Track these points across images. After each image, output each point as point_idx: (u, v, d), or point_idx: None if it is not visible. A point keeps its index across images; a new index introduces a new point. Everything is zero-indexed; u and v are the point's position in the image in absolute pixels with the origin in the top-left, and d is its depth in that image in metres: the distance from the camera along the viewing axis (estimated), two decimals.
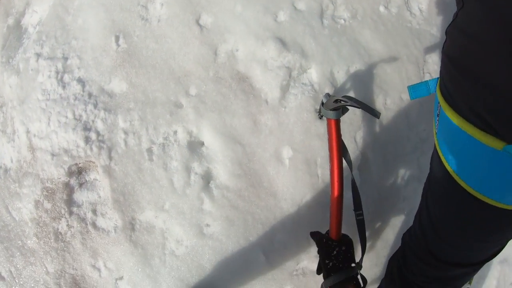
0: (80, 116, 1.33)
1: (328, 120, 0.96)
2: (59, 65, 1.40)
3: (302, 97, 1.21)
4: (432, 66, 1.40)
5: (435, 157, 0.71)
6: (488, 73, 0.51)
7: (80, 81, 1.37)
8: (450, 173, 0.65)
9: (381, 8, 1.36)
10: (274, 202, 1.21)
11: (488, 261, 0.78)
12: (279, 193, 1.21)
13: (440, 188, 0.72)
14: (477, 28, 0.53)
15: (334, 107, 0.93)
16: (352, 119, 1.23)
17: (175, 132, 1.26)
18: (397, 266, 0.93)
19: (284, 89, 1.22)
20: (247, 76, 1.25)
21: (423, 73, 1.37)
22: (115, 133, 1.28)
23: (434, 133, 0.69)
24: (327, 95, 1.01)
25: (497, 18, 0.48)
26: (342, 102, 0.92)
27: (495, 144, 0.54)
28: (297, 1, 1.30)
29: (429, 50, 1.41)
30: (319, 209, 1.21)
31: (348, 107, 0.95)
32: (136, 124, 1.28)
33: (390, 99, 1.28)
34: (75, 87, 1.37)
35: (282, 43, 1.24)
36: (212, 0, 1.32)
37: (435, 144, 0.69)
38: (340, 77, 1.24)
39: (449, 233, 0.74)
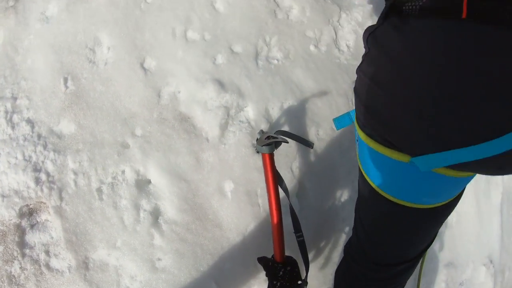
0: (30, 157, 1.40)
1: (263, 154, 1.08)
2: (8, 105, 1.48)
3: (240, 134, 1.33)
4: None
5: (360, 176, 0.88)
6: (389, 115, 0.69)
7: (30, 122, 1.45)
8: (373, 187, 0.81)
9: (312, 47, 1.51)
10: (220, 233, 1.32)
11: (422, 254, 0.95)
12: (224, 224, 1.32)
13: (367, 201, 0.89)
14: (378, 76, 0.69)
15: (266, 143, 1.05)
16: (288, 150, 1.37)
17: (123, 172, 1.36)
18: (342, 276, 1.06)
19: (223, 127, 1.34)
20: (189, 116, 1.36)
21: (352, 103, 1.52)
22: (65, 173, 1.36)
23: (357, 155, 0.85)
24: (261, 131, 1.14)
25: (395, 71, 0.65)
26: (272, 138, 1.05)
27: (403, 158, 0.71)
28: (234, 44, 1.42)
29: None
30: (263, 235, 1.33)
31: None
32: (86, 165, 1.37)
33: (322, 130, 1.43)
34: (25, 128, 1.44)
35: (220, 84, 1.36)
36: (156, 45, 1.43)
37: (358, 165, 0.85)
38: (275, 113, 1.38)
39: (381, 238, 0.89)
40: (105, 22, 1.54)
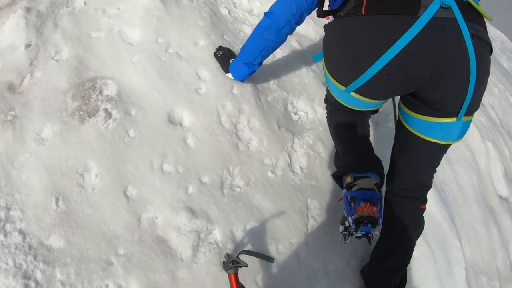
0: (21, 264, 1.65)
1: (229, 274, 1.38)
2: (2, 214, 1.74)
3: (210, 254, 1.66)
4: (314, 210, 1.93)
5: (328, 93, 1.79)
6: (332, 63, 1.57)
7: (21, 232, 1.70)
8: (336, 99, 1.64)
9: (269, 173, 1.88)
10: None
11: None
12: None
13: (334, 105, 1.79)
14: (327, 43, 1.56)
15: (231, 267, 1.40)
16: (252, 266, 1.69)
17: (107, 286, 1.64)
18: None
19: (195, 249, 1.66)
20: (165, 239, 1.67)
21: (307, 218, 1.88)
22: (53, 283, 1.63)
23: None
24: (226, 255, 1.46)
25: (333, 41, 1.53)
26: (235, 263, 1.38)
27: (341, 87, 1.50)
28: (203, 176, 1.78)
29: (311, 196, 1.93)
30: None
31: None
32: (73, 277, 1.64)
33: (281, 245, 1.78)
34: (17, 237, 1.70)
35: (192, 211, 1.70)
36: (137, 175, 1.77)
37: (328, 89, 1.72)
38: (239, 234, 1.72)
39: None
40: (93, 152, 1.86)
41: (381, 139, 2.54)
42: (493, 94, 5.04)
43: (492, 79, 6.40)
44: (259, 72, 2.29)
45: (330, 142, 2.20)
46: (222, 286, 1.71)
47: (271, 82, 2.29)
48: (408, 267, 2.09)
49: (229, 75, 2.14)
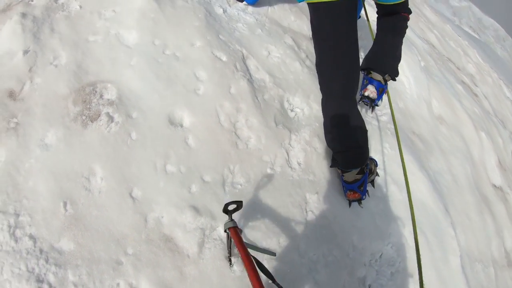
0: (33, 268, 1.75)
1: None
2: (11, 220, 1.82)
3: (215, 250, 1.79)
4: (313, 204, 2.05)
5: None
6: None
7: (32, 237, 1.81)
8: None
9: (268, 170, 2.00)
10: None
11: None
12: None
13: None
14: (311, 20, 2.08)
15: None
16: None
17: (118, 285, 1.76)
18: None
19: (201, 245, 1.79)
20: (172, 237, 1.80)
21: (306, 212, 2.01)
22: (66, 285, 1.74)
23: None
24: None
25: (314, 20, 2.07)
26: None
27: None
28: (205, 175, 1.90)
29: (310, 191, 2.06)
30: None
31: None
32: (84, 278, 1.76)
33: (282, 238, 1.92)
34: (27, 242, 1.79)
35: (196, 210, 1.82)
36: (141, 177, 1.88)
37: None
38: (243, 228, 1.82)
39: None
40: (97, 155, 1.97)
41: (375, 132, 2.68)
42: (487, 84, 5.19)
43: (485, 69, 6.57)
44: (254, 71, 2.39)
45: None
46: (227, 280, 1.84)
47: (267, 80, 2.40)
48: (403, 256, 2.24)
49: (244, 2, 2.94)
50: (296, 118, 2.36)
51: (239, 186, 2.00)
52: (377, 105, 2.59)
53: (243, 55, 2.43)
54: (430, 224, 2.51)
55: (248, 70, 2.39)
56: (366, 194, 2.27)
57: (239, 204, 1.51)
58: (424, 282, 2.30)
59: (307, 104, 2.42)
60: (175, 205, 1.90)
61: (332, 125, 2.07)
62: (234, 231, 1.43)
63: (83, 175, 1.97)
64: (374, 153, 2.51)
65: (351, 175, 2.14)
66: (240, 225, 1.92)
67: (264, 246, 1.92)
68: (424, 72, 3.68)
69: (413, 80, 3.41)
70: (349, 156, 2.08)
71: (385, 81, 2.43)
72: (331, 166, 2.18)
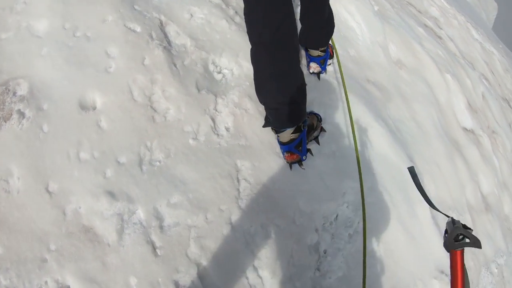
0: None
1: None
2: None
3: (135, 235, 1.68)
4: (246, 171, 1.88)
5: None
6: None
7: None
8: None
9: (191, 141, 1.85)
10: None
11: None
12: None
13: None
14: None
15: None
16: (180, 239, 1.67)
17: (46, 283, 1.69)
18: None
19: (120, 232, 1.68)
20: (91, 227, 1.70)
21: (238, 181, 1.85)
22: None
23: None
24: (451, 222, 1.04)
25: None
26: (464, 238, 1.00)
27: None
28: (120, 157, 1.78)
29: (241, 157, 1.89)
30: None
31: None
32: (15, 281, 1.71)
33: (211, 213, 1.79)
34: None
35: (111, 195, 1.71)
36: (56, 170, 1.79)
37: None
38: (163, 210, 1.74)
39: None
40: (13, 155, 1.89)
41: (320, 83, 2.45)
42: (452, 26, 4.78)
43: (450, 12, 6.03)
44: (174, 37, 2.21)
45: None
46: (151, 265, 1.72)
47: (189, 45, 2.21)
48: (361, 215, 2.03)
49: None
50: (224, 80, 2.17)
51: (158, 163, 1.86)
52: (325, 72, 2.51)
53: (161, 22, 2.25)
54: (392, 178, 2.29)
55: (166, 37, 2.20)
56: (309, 153, 2.08)
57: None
58: (387, 241, 2.12)
59: (236, 63, 2.22)
60: (90, 193, 1.78)
61: (261, 78, 1.85)
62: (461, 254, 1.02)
63: (2, 178, 1.89)
64: (318, 107, 2.28)
65: (286, 135, 1.93)
66: (161, 204, 1.79)
67: (189, 224, 1.79)
68: (378, 17, 3.34)
69: (366, 26, 3.10)
70: (282, 113, 1.86)
71: (324, 50, 2.41)
72: (263, 126, 1.97)
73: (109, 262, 1.72)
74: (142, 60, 2.05)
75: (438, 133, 2.88)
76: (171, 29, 2.25)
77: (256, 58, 1.85)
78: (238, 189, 1.89)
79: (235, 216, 1.84)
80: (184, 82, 2.05)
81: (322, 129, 2.22)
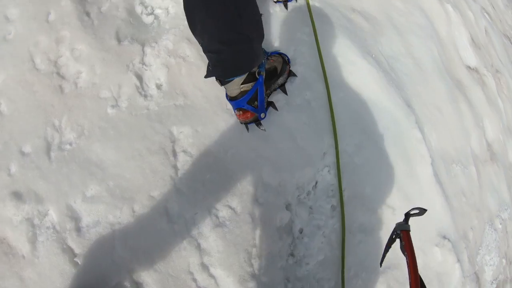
0: None
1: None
2: None
3: (48, 243, 1.35)
4: (186, 140, 1.40)
5: None
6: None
7: None
8: None
9: (109, 110, 1.41)
10: None
11: None
12: None
13: None
14: None
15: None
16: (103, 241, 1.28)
17: None
18: None
19: (32, 240, 1.34)
20: (3, 238, 1.36)
21: (175, 154, 1.39)
22: None
23: None
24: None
25: None
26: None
27: None
28: (24, 145, 1.42)
29: (178, 122, 1.40)
30: None
31: None
32: None
33: (138, 204, 1.36)
34: None
35: (18, 196, 1.37)
36: None
37: None
38: (78, 206, 1.34)
39: None
40: None
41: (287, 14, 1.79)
42: None
43: None
44: None
45: None
46: (72, 277, 1.34)
47: None
48: (348, 178, 1.47)
49: None
50: (156, 24, 1.63)
51: (68, 146, 1.43)
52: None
53: None
54: (387, 129, 1.69)
55: None
56: (271, 108, 1.54)
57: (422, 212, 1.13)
58: (378, 211, 1.51)
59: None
60: None
61: (196, 6, 1.28)
62: (407, 235, 1.08)
63: None
64: (287, 45, 1.64)
65: (234, 87, 1.38)
66: (76, 200, 1.38)
67: (111, 221, 1.35)
68: None
69: None
70: (225, 57, 1.29)
71: None
72: (205, 77, 1.39)
73: (27, 277, 1.38)
74: (46, 17, 1.59)
75: (439, 72, 2.26)
76: None
77: None
78: (174, 166, 1.40)
79: (172, 203, 1.36)
80: (99, 34, 1.56)
81: (291, 73, 1.59)
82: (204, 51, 1.34)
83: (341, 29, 1.80)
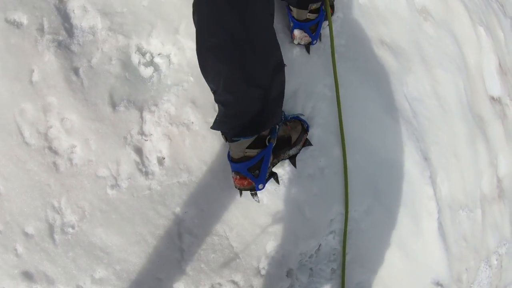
0: None
1: None
2: None
3: None
4: (191, 221, 1.39)
5: None
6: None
7: None
8: None
9: (109, 190, 1.37)
10: None
11: None
12: None
13: None
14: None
15: None
16: None
17: None
18: None
19: None
20: None
21: (180, 237, 1.37)
22: None
23: None
24: None
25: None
26: None
27: None
28: (26, 226, 1.42)
29: (183, 202, 1.39)
30: None
31: None
32: None
33: (146, 286, 1.36)
34: None
35: (29, 276, 1.42)
36: None
37: None
38: (89, 287, 1.33)
39: None
40: None
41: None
42: None
43: None
44: (79, 18, 1.51)
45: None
46: None
47: (99, 27, 1.47)
48: (356, 244, 1.48)
49: None
50: (156, 78, 1.47)
51: (71, 230, 1.40)
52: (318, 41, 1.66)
53: None
54: (399, 191, 1.69)
55: (66, 21, 1.48)
56: (273, 181, 1.43)
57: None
58: (378, 271, 1.54)
59: (173, 44, 1.47)
60: (8, 275, 1.44)
61: (209, 49, 1.15)
62: None
63: None
64: (304, 100, 1.49)
65: (238, 149, 1.26)
66: (85, 282, 1.40)
67: None
68: None
69: None
70: (234, 112, 1.19)
71: (317, 10, 1.54)
72: (212, 128, 1.28)
73: None
74: (30, 76, 1.43)
75: (462, 110, 2.17)
76: (75, 4, 1.52)
77: (198, 8, 1.15)
78: (180, 249, 1.39)
79: (178, 283, 1.37)
80: (91, 98, 1.42)
81: (307, 143, 1.47)
82: (215, 100, 1.24)
83: (367, 76, 1.67)
